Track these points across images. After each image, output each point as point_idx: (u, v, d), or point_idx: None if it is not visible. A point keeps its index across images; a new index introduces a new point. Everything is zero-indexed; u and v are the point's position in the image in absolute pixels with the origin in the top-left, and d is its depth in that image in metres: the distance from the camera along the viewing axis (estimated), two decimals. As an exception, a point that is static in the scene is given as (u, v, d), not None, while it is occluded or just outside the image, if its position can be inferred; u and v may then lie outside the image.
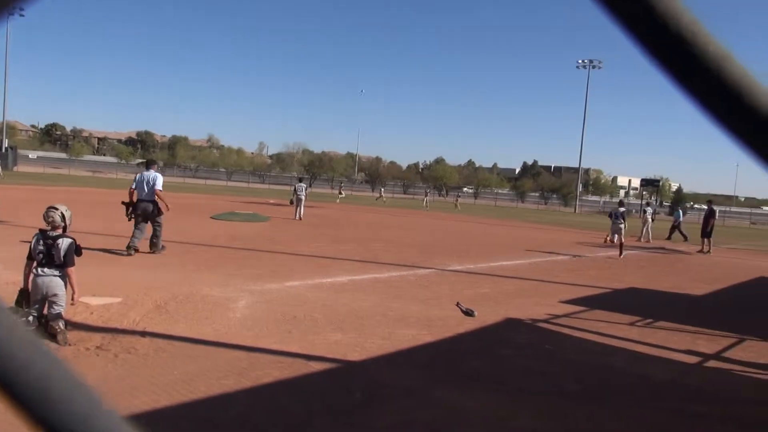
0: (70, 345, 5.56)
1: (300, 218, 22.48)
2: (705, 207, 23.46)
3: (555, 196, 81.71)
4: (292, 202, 23.47)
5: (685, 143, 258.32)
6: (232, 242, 14.09)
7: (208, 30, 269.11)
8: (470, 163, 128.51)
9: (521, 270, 13.14)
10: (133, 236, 11.18)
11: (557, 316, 8.39)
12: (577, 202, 70.42)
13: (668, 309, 9.74)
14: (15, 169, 51.90)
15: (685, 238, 25.39)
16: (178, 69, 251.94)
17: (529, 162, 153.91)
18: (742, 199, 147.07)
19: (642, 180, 59.24)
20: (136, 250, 11.04)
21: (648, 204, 26.71)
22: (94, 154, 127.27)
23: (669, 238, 25.71)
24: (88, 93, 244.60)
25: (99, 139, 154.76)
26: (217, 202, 29.26)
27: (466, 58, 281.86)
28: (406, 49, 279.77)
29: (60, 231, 5.95)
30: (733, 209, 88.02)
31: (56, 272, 5.82)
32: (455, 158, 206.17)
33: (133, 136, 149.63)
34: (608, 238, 18.08)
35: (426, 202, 46.43)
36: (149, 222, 11.49)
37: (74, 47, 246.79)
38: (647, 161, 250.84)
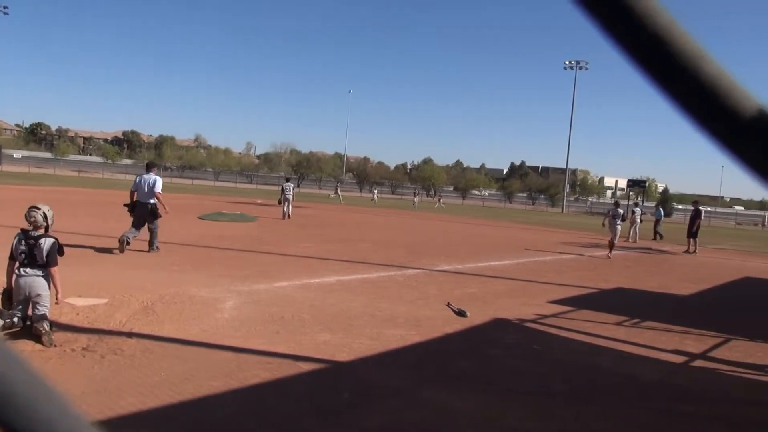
0: (55, 346, 5.50)
1: (288, 217, 22.66)
2: (691, 207, 23.68)
3: (542, 196, 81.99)
4: (280, 202, 23.53)
5: (671, 144, 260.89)
6: (220, 242, 14.03)
7: (196, 29, 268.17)
8: (458, 163, 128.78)
9: (509, 270, 13.17)
10: (128, 231, 11.36)
11: (545, 316, 8.42)
12: (564, 203, 70.74)
13: (655, 309, 9.81)
14: (-1, 168, 51.36)
15: (660, 237, 26.21)
16: (165, 68, 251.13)
17: (517, 162, 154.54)
18: (728, 200, 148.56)
19: (629, 181, 59.76)
20: (128, 244, 11.16)
21: (636, 204, 26.95)
22: (79, 154, 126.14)
23: (655, 238, 26.08)
24: (74, 92, 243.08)
25: (85, 138, 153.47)
26: (204, 202, 29.10)
27: (454, 59, 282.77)
28: (395, 49, 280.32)
29: (42, 231, 5.90)
30: (719, 210, 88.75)
31: (39, 272, 5.78)
32: (443, 158, 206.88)
33: (120, 135, 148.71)
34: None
35: (415, 203, 46.59)
36: (146, 224, 11.64)
37: (60, 45, 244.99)
38: (634, 162, 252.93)
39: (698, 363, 6.76)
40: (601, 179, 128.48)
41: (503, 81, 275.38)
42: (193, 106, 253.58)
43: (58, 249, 5.90)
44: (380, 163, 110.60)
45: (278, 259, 12.08)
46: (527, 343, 7.00)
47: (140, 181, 11.82)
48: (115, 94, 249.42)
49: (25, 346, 5.40)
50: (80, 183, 41.87)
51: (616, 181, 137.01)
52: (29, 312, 5.76)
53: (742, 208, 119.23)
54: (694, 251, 21.16)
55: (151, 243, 11.65)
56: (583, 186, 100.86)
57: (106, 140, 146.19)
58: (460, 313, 8.04)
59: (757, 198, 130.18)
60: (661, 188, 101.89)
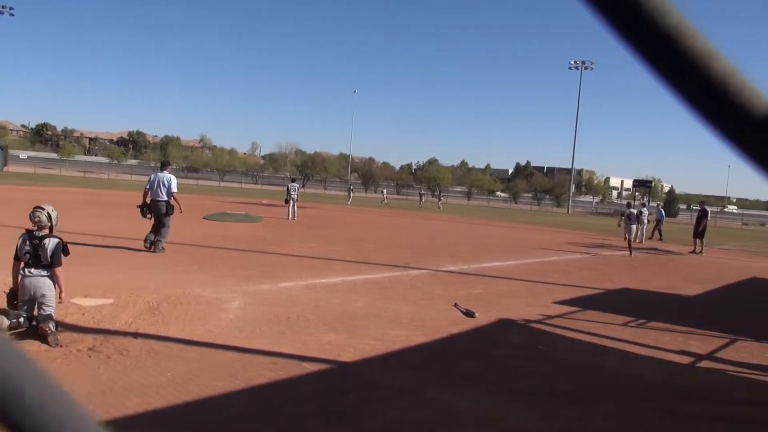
0: (61, 346, 5.52)
1: (294, 217, 22.72)
2: (698, 208, 23.64)
3: (548, 196, 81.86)
4: (287, 201, 23.61)
5: (677, 144, 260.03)
6: (225, 243, 14.05)
7: (201, 30, 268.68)
8: (463, 163, 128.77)
9: (514, 270, 13.15)
10: (151, 232, 11.77)
11: (550, 317, 8.40)
12: (570, 203, 70.60)
13: (661, 309, 9.77)
14: (6, 169, 51.51)
15: (660, 237, 26.44)
16: (170, 69, 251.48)
17: (522, 163, 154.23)
18: (734, 200, 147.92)
19: (634, 181, 59.46)
20: (163, 249, 11.65)
21: (643, 205, 27.03)
22: (85, 155, 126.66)
23: (651, 237, 26.26)
24: (80, 93, 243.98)
25: (90, 139, 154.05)
26: (209, 202, 29.17)
27: (459, 60, 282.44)
28: (400, 49, 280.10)
29: (46, 231, 5.92)
30: (725, 210, 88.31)
31: (43, 272, 5.79)
32: (448, 159, 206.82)
33: (125, 136, 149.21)
34: (636, 239, 19.58)
35: (421, 204, 46.73)
36: (159, 221, 11.85)
37: (65, 46, 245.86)
38: (640, 162, 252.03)
39: (704, 364, 6.73)
40: (607, 179, 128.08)
41: (508, 81, 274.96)
42: (199, 106, 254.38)
43: (63, 249, 5.92)
44: (385, 164, 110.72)
45: (283, 260, 12.09)
46: (532, 344, 6.99)
47: (154, 179, 11.98)
48: (120, 95, 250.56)
49: (31, 347, 5.42)
50: (86, 183, 42.00)
51: (622, 182, 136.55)
52: (35, 312, 5.78)
53: (735, 207, 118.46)
54: (701, 251, 21.08)
55: (157, 242, 11.73)
56: (588, 186, 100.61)
57: (111, 141, 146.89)
58: (468, 314, 8.01)
59: (764, 198, 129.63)
60: (667, 188, 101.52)
